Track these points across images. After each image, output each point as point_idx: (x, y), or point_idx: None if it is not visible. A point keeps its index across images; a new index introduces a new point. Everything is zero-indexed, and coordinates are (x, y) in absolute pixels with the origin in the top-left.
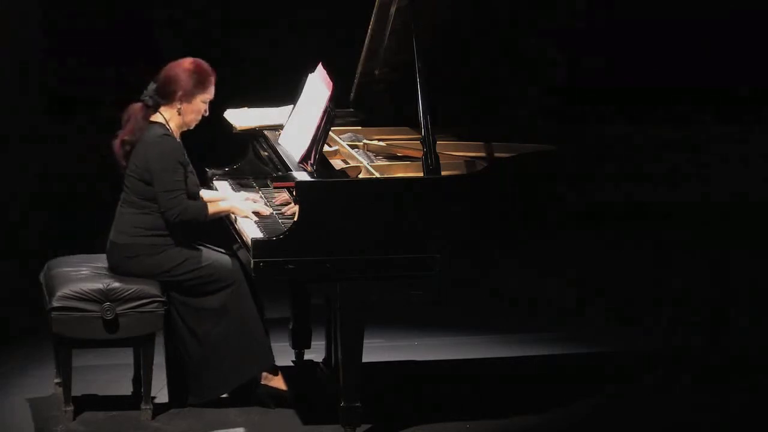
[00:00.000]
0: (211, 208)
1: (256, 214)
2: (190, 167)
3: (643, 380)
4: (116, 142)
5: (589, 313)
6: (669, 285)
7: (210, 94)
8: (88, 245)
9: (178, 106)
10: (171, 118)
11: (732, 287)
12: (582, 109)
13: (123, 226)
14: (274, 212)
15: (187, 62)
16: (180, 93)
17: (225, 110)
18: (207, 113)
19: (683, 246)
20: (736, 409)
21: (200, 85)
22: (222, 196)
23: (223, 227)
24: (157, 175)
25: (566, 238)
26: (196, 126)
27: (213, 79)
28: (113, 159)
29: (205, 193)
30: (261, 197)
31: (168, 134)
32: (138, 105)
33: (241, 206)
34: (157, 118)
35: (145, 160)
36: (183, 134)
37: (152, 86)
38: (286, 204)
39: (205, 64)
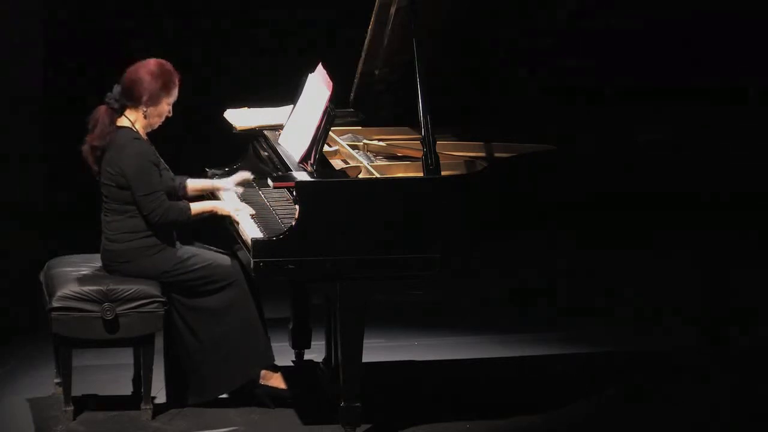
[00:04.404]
0: (194, 208)
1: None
2: (163, 164)
3: (643, 380)
4: (85, 148)
5: (590, 313)
6: (670, 283)
7: (174, 96)
8: (88, 245)
9: (144, 109)
10: (137, 119)
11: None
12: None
13: (112, 234)
14: (272, 208)
15: (151, 64)
16: (146, 97)
17: (225, 110)
18: (170, 114)
19: (684, 244)
20: (737, 410)
21: (165, 88)
22: (208, 184)
23: (223, 227)
24: (133, 180)
25: (566, 237)
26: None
27: (177, 81)
28: (85, 164)
29: (191, 182)
30: (258, 192)
31: (137, 138)
32: (103, 108)
33: (225, 205)
34: (123, 121)
35: (118, 166)
36: (157, 133)
37: (117, 89)
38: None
39: (168, 66)
